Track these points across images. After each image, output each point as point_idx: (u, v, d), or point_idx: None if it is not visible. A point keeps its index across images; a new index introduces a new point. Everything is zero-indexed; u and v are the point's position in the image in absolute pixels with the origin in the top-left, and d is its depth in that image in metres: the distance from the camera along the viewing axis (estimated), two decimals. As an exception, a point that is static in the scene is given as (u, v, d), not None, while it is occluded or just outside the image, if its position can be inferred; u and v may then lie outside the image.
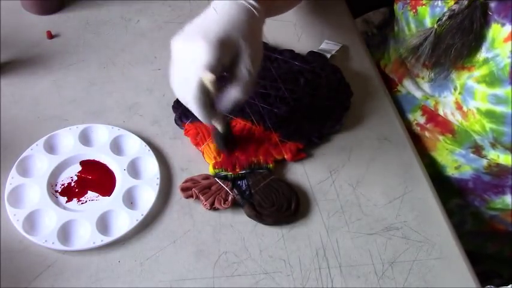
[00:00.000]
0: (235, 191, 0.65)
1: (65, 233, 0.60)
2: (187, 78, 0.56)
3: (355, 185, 0.69)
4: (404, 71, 0.80)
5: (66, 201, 0.63)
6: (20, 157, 0.65)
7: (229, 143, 0.67)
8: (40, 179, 0.64)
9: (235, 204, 0.64)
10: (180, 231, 0.62)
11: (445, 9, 0.65)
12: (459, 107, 0.71)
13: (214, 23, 0.56)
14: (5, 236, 0.60)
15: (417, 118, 0.79)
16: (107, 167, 0.67)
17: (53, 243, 0.58)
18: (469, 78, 0.67)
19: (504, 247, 0.89)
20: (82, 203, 0.63)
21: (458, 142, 0.76)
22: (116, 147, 0.69)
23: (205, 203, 0.63)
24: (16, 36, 0.81)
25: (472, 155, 0.76)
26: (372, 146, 0.73)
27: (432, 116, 0.77)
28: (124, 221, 0.61)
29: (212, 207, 0.63)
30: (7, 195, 0.62)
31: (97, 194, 0.64)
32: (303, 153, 0.70)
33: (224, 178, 0.66)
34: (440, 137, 0.77)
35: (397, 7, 0.75)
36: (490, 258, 0.90)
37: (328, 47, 0.84)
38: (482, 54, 0.65)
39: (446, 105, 0.74)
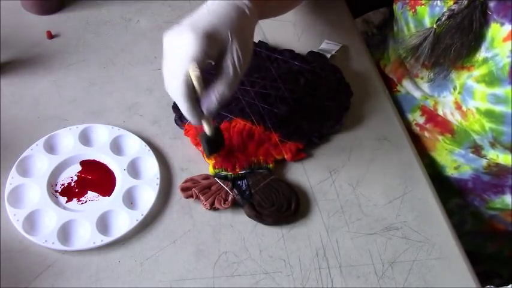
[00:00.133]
0: (235, 191, 0.65)
1: (65, 233, 0.60)
2: (174, 71, 0.56)
3: (355, 185, 0.69)
4: (403, 71, 0.80)
5: (66, 201, 0.63)
6: (20, 157, 0.65)
7: (214, 147, 0.66)
8: (40, 179, 0.64)
9: (235, 204, 0.64)
10: (180, 231, 0.62)
11: (444, 9, 0.65)
12: (458, 107, 0.71)
13: (204, 17, 0.57)
14: (5, 236, 0.60)
15: (416, 118, 0.79)
16: (107, 167, 0.67)
17: (53, 243, 0.58)
18: (468, 77, 0.67)
19: (504, 247, 0.89)
20: (82, 203, 0.63)
21: (457, 142, 0.76)
22: (116, 147, 0.69)
23: (205, 203, 0.63)
24: (16, 36, 0.81)
25: (471, 155, 0.76)
26: (372, 146, 0.73)
27: (431, 116, 0.77)
28: (124, 221, 0.61)
29: (212, 207, 0.63)
30: (7, 195, 0.62)
31: (97, 194, 0.64)
32: (303, 153, 0.70)
33: (224, 178, 0.66)
34: (440, 137, 0.77)
35: (397, 7, 0.75)
36: (489, 258, 0.90)
37: (328, 47, 0.84)
38: (481, 54, 0.65)
39: (446, 105, 0.74)
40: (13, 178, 0.64)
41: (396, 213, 0.66)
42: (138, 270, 0.59)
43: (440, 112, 0.75)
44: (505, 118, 0.64)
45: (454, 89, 0.71)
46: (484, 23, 0.63)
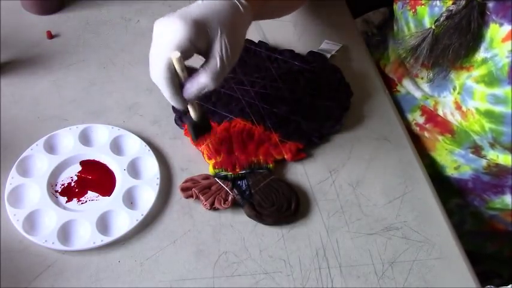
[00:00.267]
0: (235, 191, 0.65)
1: (65, 233, 0.60)
2: (158, 55, 0.56)
3: (355, 185, 0.69)
4: (403, 71, 0.80)
5: (66, 201, 0.63)
6: (20, 157, 0.65)
7: (199, 131, 0.65)
8: (40, 179, 0.64)
9: (235, 204, 0.64)
10: (180, 231, 0.62)
11: (444, 9, 0.65)
12: (458, 107, 0.71)
13: (195, 8, 0.57)
14: (5, 236, 0.60)
15: (416, 118, 0.79)
16: (107, 167, 0.67)
17: (53, 243, 0.58)
18: (468, 78, 0.67)
19: (504, 247, 0.89)
20: (82, 203, 0.63)
21: (457, 142, 0.76)
22: (116, 147, 0.69)
23: (205, 203, 0.63)
24: (16, 36, 0.81)
25: (471, 155, 0.76)
26: (372, 146, 0.73)
27: (431, 116, 0.77)
28: (124, 221, 0.61)
29: (212, 207, 0.63)
30: (7, 195, 0.62)
31: (97, 194, 0.64)
32: (303, 153, 0.70)
33: (224, 178, 0.66)
34: (440, 137, 0.77)
35: (397, 7, 0.76)
36: (489, 258, 0.90)
37: (328, 47, 0.84)
38: (481, 54, 0.65)
39: (446, 105, 0.74)
40: (13, 178, 0.64)
41: (396, 213, 0.66)
42: (138, 270, 0.59)
43: (440, 112, 0.75)
44: (504, 118, 0.64)
45: (454, 89, 0.71)
46: (483, 23, 0.63)
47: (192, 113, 0.62)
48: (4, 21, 0.83)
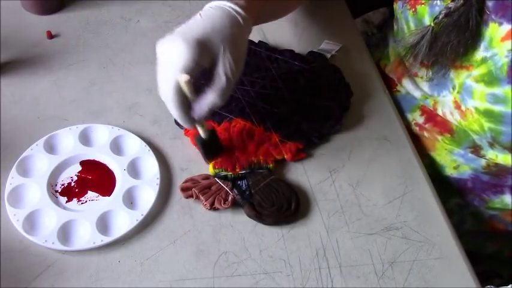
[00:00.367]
0: (235, 191, 0.65)
1: (65, 233, 0.60)
2: (166, 79, 0.56)
3: (355, 185, 0.69)
4: (403, 70, 0.80)
5: (66, 201, 0.63)
6: (20, 157, 0.65)
7: (210, 150, 0.66)
8: (40, 179, 0.64)
9: (235, 204, 0.64)
10: (180, 231, 0.62)
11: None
12: (458, 106, 0.71)
13: (196, 25, 0.57)
14: (5, 236, 0.60)
15: (416, 118, 0.79)
16: (107, 167, 0.67)
17: (53, 243, 0.58)
18: (467, 77, 0.67)
19: (503, 247, 0.89)
20: (82, 203, 0.63)
21: (456, 142, 0.76)
22: (116, 147, 0.69)
23: (205, 203, 0.63)
24: (16, 36, 0.81)
25: (470, 154, 0.76)
26: (372, 146, 0.73)
27: (431, 116, 0.77)
28: (124, 221, 0.61)
29: (212, 207, 0.63)
30: (7, 195, 0.62)
31: (97, 194, 0.64)
32: (302, 153, 0.70)
33: (224, 178, 0.66)
34: (439, 137, 0.77)
35: (397, 6, 0.76)
36: (489, 259, 0.90)
37: (328, 47, 0.84)
38: (480, 53, 0.65)
39: (445, 105, 0.74)
40: (13, 178, 0.64)
41: (396, 213, 0.66)
42: (138, 270, 0.59)
43: (439, 112, 0.75)
44: (503, 118, 0.64)
45: (453, 88, 0.71)
46: (481, 21, 0.63)
47: (201, 132, 0.63)
48: (4, 21, 0.83)
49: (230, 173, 0.66)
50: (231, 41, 0.57)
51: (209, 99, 0.58)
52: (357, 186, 0.68)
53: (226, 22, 0.58)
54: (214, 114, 0.72)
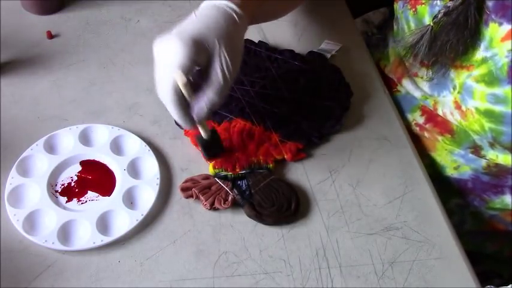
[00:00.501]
0: (235, 191, 0.65)
1: (65, 233, 0.60)
2: (163, 78, 0.57)
3: (355, 185, 0.69)
4: (403, 70, 0.80)
5: (66, 201, 0.63)
6: (20, 157, 0.65)
7: (211, 150, 0.66)
8: (40, 179, 0.64)
9: (235, 204, 0.64)
10: (180, 231, 0.62)
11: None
12: (458, 107, 0.71)
13: (191, 25, 0.57)
14: (5, 236, 0.60)
15: (416, 118, 0.79)
16: (107, 167, 0.67)
17: (53, 243, 0.58)
18: (468, 77, 0.67)
19: (504, 247, 0.89)
20: (82, 203, 0.63)
21: (457, 142, 0.76)
22: (116, 147, 0.69)
23: (205, 203, 0.63)
24: (16, 36, 0.81)
25: (471, 155, 0.76)
26: (372, 146, 0.73)
27: (431, 116, 0.77)
28: (124, 221, 0.61)
29: (212, 207, 0.63)
30: (7, 195, 0.62)
31: (97, 194, 0.64)
32: (303, 153, 0.70)
33: (224, 178, 0.66)
34: (439, 137, 0.77)
35: (398, 6, 0.76)
36: (489, 259, 0.90)
37: (328, 47, 0.84)
38: (481, 53, 0.65)
39: (446, 105, 0.74)
40: (13, 178, 0.64)
41: (396, 213, 0.66)
42: (138, 270, 0.59)
43: (440, 112, 0.75)
44: (504, 118, 0.64)
45: (454, 88, 0.71)
46: (480, 19, 0.63)
47: (202, 132, 0.63)
48: (4, 21, 0.83)
49: (230, 173, 0.66)
50: (226, 38, 0.57)
51: (207, 98, 0.57)
52: (357, 186, 0.68)
53: (221, 20, 0.58)
54: (215, 114, 0.72)
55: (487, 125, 0.67)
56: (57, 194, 0.64)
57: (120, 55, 0.81)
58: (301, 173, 0.69)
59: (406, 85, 0.79)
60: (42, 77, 0.76)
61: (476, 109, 0.67)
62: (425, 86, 0.76)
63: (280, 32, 0.86)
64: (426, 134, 0.79)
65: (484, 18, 0.63)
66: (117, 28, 0.85)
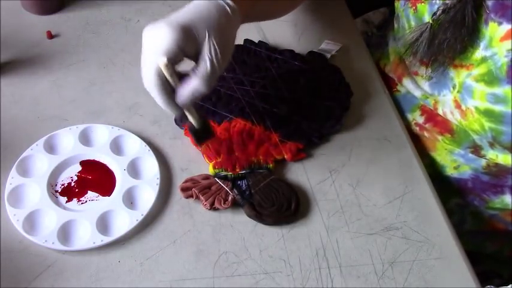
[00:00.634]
0: (235, 191, 0.65)
1: (65, 233, 0.60)
2: (147, 63, 0.56)
3: (355, 185, 0.69)
4: (403, 70, 0.80)
5: (66, 201, 0.63)
6: (20, 157, 0.65)
7: (202, 136, 0.65)
8: (40, 179, 0.64)
9: (235, 204, 0.64)
10: (180, 231, 0.62)
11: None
12: (458, 106, 0.71)
13: (183, 14, 0.57)
14: (5, 236, 0.60)
15: (416, 118, 0.79)
16: (107, 167, 0.67)
17: (53, 243, 0.58)
18: (467, 76, 0.67)
19: (503, 246, 0.89)
20: (82, 203, 0.63)
21: (457, 142, 0.76)
22: (116, 147, 0.69)
23: (205, 203, 0.63)
24: (16, 36, 0.81)
25: (470, 155, 0.76)
26: (372, 146, 0.73)
27: (431, 116, 0.77)
28: (124, 221, 0.61)
29: (212, 207, 0.63)
30: (7, 195, 0.62)
31: (97, 194, 0.64)
32: (303, 153, 0.70)
33: (224, 178, 0.66)
34: (439, 137, 0.77)
35: (399, 4, 0.76)
36: (489, 259, 0.90)
37: (328, 47, 0.84)
38: (480, 53, 0.65)
39: (446, 104, 0.74)
40: (13, 178, 0.64)
41: (396, 213, 0.66)
42: (138, 270, 0.59)
43: (440, 111, 0.75)
44: (504, 118, 0.64)
45: (454, 87, 0.71)
46: (478, 18, 0.63)
47: (191, 119, 0.62)
48: (4, 21, 0.83)
49: (230, 173, 0.66)
50: (217, 29, 0.57)
51: (192, 85, 0.57)
52: (357, 186, 0.68)
53: (213, 11, 0.58)
54: (215, 114, 0.72)
55: (487, 124, 0.67)
56: (57, 194, 0.64)
57: (120, 55, 0.81)
58: (301, 173, 0.69)
59: (407, 84, 0.79)
60: (42, 77, 0.76)
61: (476, 108, 0.67)
62: (425, 85, 0.76)
63: (280, 32, 0.86)
64: (426, 134, 0.79)
65: (484, 17, 0.63)
66: (117, 28, 0.85)
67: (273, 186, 0.65)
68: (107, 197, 0.64)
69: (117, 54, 0.81)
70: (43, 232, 0.60)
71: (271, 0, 0.71)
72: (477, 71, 0.66)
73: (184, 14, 0.57)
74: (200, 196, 0.63)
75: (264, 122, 0.71)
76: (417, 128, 0.79)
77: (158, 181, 0.65)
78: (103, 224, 0.61)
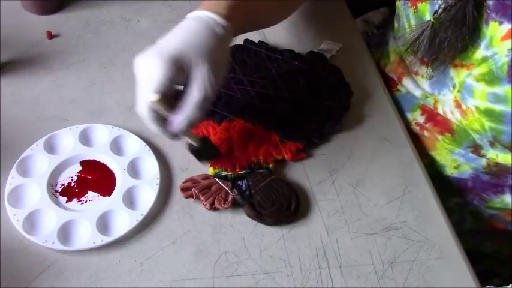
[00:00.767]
0: (235, 191, 0.65)
1: (65, 233, 0.60)
2: (140, 96, 0.57)
3: (355, 185, 0.69)
4: (403, 70, 0.80)
5: (66, 201, 0.63)
6: (20, 157, 0.65)
7: (204, 155, 0.66)
8: (40, 179, 0.64)
9: (235, 204, 0.64)
10: (180, 231, 0.62)
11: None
12: (458, 105, 0.71)
13: (172, 40, 0.57)
14: (5, 236, 0.60)
15: (416, 117, 0.79)
16: (107, 167, 0.67)
17: (53, 243, 0.58)
18: (468, 76, 0.67)
19: (503, 246, 0.89)
20: (82, 203, 0.63)
21: (457, 142, 0.76)
22: (116, 147, 0.69)
23: (205, 203, 0.63)
24: (16, 36, 0.81)
25: (471, 154, 0.76)
26: (372, 146, 0.73)
27: (431, 116, 0.77)
28: (124, 221, 0.61)
29: (212, 207, 0.63)
30: (7, 195, 0.62)
31: (97, 194, 0.64)
32: (303, 153, 0.70)
33: (224, 178, 0.66)
34: (440, 137, 0.77)
35: (400, 3, 0.76)
36: (489, 258, 0.90)
37: (328, 47, 0.84)
38: (481, 52, 0.65)
39: (446, 104, 0.74)
40: (13, 178, 0.64)
41: (396, 213, 0.66)
42: (138, 270, 0.59)
43: (440, 111, 0.75)
44: (504, 117, 0.64)
45: (454, 87, 0.71)
46: (478, 17, 0.63)
47: (191, 141, 0.62)
48: (4, 21, 0.83)
49: (230, 173, 0.66)
50: (206, 54, 0.56)
51: (185, 112, 0.57)
52: (357, 186, 0.68)
53: (203, 34, 0.57)
54: (215, 114, 0.72)
55: (487, 124, 0.67)
56: (57, 194, 0.64)
57: (120, 55, 0.81)
58: (301, 173, 0.69)
59: (407, 84, 0.79)
60: (42, 77, 0.76)
61: (477, 108, 0.67)
62: (425, 85, 0.76)
63: (280, 32, 0.86)
64: (426, 134, 0.79)
65: (485, 17, 0.63)
66: (117, 28, 0.85)
67: (273, 186, 0.65)
68: (107, 197, 0.64)
69: (117, 54, 0.81)
70: (43, 232, 0.60)
71: (264, 10, 0.70)
72: (478, 70, 0.66)
73: (174, 41, 0.56)
74: (200, 196, 0.63)
75: (264, 122, 0.71)
76: (417, 128, 0.79)
77: (158, 181, 0.65)
78: (103, 224, 0.61)
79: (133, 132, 0.69)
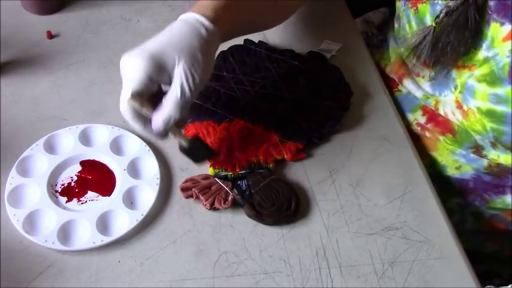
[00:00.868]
0: (235, 191, 0.65)
1: (65, 233, 0.60)
2: (122, 95, 0.57)
3: (355, 185, 0.69)
4: (404, 70, 0.80)
5: (66, 201, 0.63)
6: (20, 157, 0.65)
7: (196, 156, 0.65)
8: (40, 179, 0.64)
9: (235, 204, 0.64)
10: (180, 231, 0.62)
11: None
12: (459, 106, 0.71)
13: (155, 40, 0.57)
14: (5, 236, 0.60)
15: (417, 118, 0.79)
16: (107, 167, 0.67)
17: (53, 243, 0.58)
18: (469, 77, 0.67)
19: (504, 246, 0.89)
20: (82, 203, 0.63)
21: (458, 142, 0.76)
22: (116, 147, 0.69)
23: (205, 203, 0.63)
24: (16, 36, 0.81)
25: (472, 155, 0.76)
26: (372, 146, 0.73)
27: (432, 116, 0.77)
28: (124, 221, 0.61)
29: (212, 207, 0.63)
30: (7, 195, 0.62)
31: (97, 194, 0.64)
32: (302, 153, 0.70)
33: (224, 178, 0.66)
34: (441, 137, 0.77)
35: (400, 4, 0.76)
36: (490, 258, 0.90)
37: (328, 47, 0.84)
38: (482, 53, 0.65)
39: (447, 105, 0.74)
40: (13, 178, 0.64)
41: (396, 213, 0.66)
42: (138, 270, 0.59)
43: (441, 112, 0.75)
44: (506, 118, 0.64)
45: (455, 88, 0.71)
46: (480, 20, 0.63)
47: (180, 141, 0.61)
48: (4, 21, 0.83)
49: (230, 173, 0.66)
50: (188, 54, 0.56)
51: (164, 112, 0.56)
52: (357, 186, 0.68)
53: (186, 34, 0.57)
54: (214, 114, 0.72)
55: (489, 125, 0.67)
56: (57, 194, 0.64)
57: (120, 55, 0.80)
58: (301, 173, 0.69)
59: (408, 85, 0.79)
60: (42, 77, 0.77)
61: (478, 109, 0.67)
62: (426, 86, 0.76)
63: (280, 32, 0.86)
64: (427, 134, 0.79)
65: (486, 18, 0.63)
66: (117, 28, 0.85)
67: (273, 186, 0.65)
68: (107, 197, 0.64)
69: (117, 54, 0.81)
70: (43, 232, 0.60)
71: (256, 14, 0.70)
72: (479, 71, 0.66)
73: (156, 41, 0.57)
74: (200, 196, 0.63)
75: (264, 122, 0.71)
76: (418, 128, 0.79)
77: (158, 181, 0.65)
78: (103, 224, 0.61)
79: (133, 132, 0.69)
